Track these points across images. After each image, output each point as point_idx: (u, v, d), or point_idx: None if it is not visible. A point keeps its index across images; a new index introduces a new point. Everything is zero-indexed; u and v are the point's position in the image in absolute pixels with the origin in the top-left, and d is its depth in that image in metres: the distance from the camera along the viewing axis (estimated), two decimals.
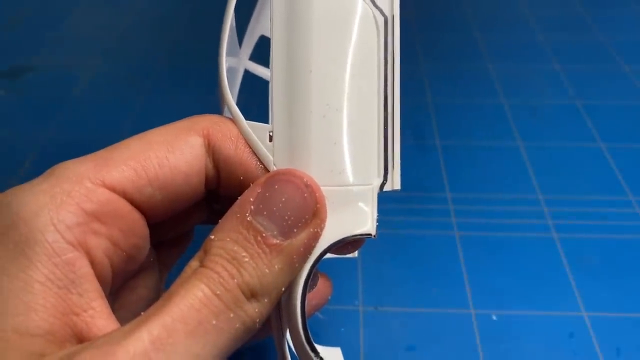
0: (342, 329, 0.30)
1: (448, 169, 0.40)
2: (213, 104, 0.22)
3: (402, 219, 0.36)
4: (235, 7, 0.21)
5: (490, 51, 0.54)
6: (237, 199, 0.18)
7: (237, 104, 0.21)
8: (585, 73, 0.51)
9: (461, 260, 0.34)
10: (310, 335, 0.19)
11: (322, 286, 0.25)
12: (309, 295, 0.24)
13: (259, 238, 0.17)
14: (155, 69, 0.52)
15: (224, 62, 0.21)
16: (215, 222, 0.18)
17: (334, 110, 0.19)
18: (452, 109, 0.47)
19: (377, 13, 0.19)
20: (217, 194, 0.21)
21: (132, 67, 0.53)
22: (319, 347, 0.26)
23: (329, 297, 0.26)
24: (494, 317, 0.31)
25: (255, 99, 0.22)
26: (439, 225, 0.36)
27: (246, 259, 0.16)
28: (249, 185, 0.18)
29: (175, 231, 0.23)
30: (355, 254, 0.28)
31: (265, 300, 0.17)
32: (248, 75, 0.28)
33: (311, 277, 0.19)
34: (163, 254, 0.23)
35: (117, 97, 0.48)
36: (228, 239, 0.17)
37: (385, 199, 0.37)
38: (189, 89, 0.49)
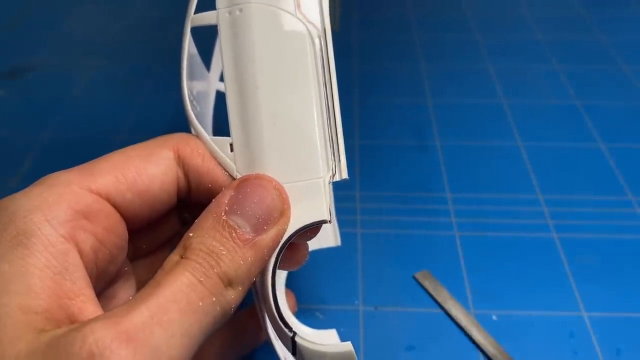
0: (342, 329, 0.30)
1: (448, 169, 0.40)
2: None
3: (402, 219, 0.36)
4: (196, 35, 0.24)
5: (490, 51, 0.54)
6: (207, 204, 0.20)
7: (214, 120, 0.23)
8: (585, 73, 0.51)
9: (461, 260, 0.34)
10: (283, 314, 0.21)
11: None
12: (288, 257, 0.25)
13: (234, 234, 0.19)
14: (155, 69, 0.52)
15: (186, 89, 0.24)
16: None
17: (282, 118, 0.21)
18: (452, 109, 0.47)
19: (311, 27, 0.22)
20: (188, 202, 0.23)
21: (132, 67, 0.53)
22: (314, 330, 0.27)
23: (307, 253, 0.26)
24: (494, 317, 0.31)
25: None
26: (439, 225, 0.36)
27: (223, 252, 0.19)
28: (217, 190, 0.21)
29: (150, 242, 0.24)
30: (339, 242, 0.31)
31: (240, 288, 0.19)
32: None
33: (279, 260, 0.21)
34: (139, 269, 0.24)
35: (117, 97, 0.48)
36: (206, 235, 0.19)
37: (386, 199, 0.38)
38: None
